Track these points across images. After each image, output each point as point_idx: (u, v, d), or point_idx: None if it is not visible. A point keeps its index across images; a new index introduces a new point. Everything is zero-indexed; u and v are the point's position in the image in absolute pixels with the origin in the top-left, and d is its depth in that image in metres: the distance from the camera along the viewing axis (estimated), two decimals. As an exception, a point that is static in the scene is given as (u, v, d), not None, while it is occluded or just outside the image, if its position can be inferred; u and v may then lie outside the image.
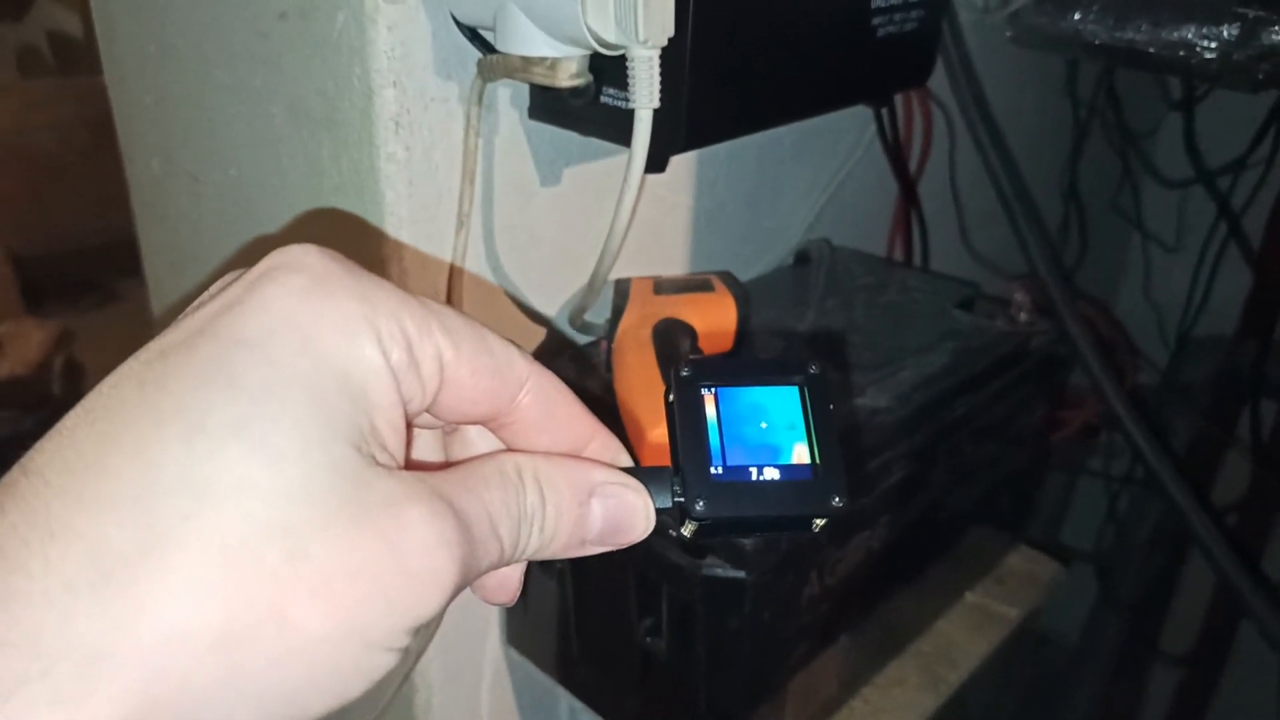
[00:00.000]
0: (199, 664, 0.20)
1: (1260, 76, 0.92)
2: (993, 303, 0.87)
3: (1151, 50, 0.97)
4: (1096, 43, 1.01)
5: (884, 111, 0.94)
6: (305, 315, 0.22)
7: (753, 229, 0.90)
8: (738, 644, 0.61)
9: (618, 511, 0.27)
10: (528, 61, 0.55)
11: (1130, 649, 1.48)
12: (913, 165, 1.01)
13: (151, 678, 0.19)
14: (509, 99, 0.64)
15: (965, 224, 1.08)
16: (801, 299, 0.85)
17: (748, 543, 0.58)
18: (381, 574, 0.21)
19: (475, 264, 0.67)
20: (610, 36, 0.51)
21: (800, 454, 0.27)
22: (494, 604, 0.29)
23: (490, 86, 0.61)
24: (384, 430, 0.23)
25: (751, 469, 0.26)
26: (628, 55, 0.51)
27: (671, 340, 0.69)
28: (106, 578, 0.19)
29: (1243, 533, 1.52)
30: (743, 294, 0.74)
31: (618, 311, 0.69)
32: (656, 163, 0.59)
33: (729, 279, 0.75)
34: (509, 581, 0.29)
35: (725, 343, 0.74)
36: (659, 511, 0.27)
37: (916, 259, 1.08)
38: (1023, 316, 0.85)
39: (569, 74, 0.55)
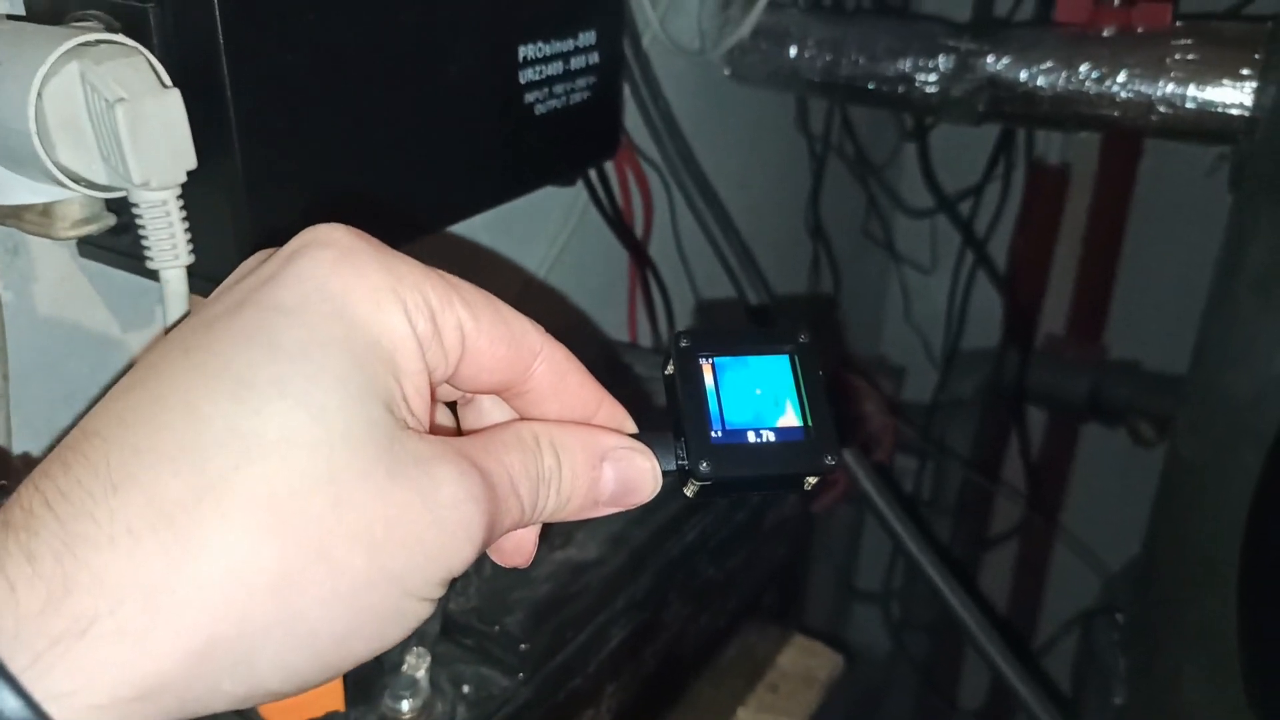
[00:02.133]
0: (255, 604, 0.20)
1: (981, 109, 0.87)
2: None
3: (871, 86, 0.91)
4: (816, 80, 0.94)
5: (595, 179, 0.83)
6: (337, 285, 0.23)
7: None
8: None
9: (628, 474, 0.27)
10: (15, 208, 0.40)
11: (927, 704, 1.45)
12: (639, 229, 0.91)
13: (211, 616, 0.20)
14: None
15: (696, 285, 0.99)
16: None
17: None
18: (417, 523, 0.22)
19: (35, 445, 0.51)
20: (99, 178, 0.37)
21: (793, 417, 0.28)
22: (510, 565, 0.29)
23: (7, 229, 0.46)
24: (411, 396, 0.23)
25: (749, 432, 0.28)
26: (130, 200, 0.37)
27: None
28: (166, 522, 0.20)
29: (1023, 551, 1.53)
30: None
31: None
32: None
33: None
34: (525, 544, 0.29)
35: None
36: (664, 474, 0.28)
37: (661, 322, 0.98)
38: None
39: (70, 222, 0.40)
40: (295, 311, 0.22)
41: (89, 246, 0.48)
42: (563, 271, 0.86)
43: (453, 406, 0.30)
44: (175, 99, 0.37)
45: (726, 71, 0.98)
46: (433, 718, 0.48)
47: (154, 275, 0.42)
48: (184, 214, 0.38)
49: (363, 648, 0.23)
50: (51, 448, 0.23)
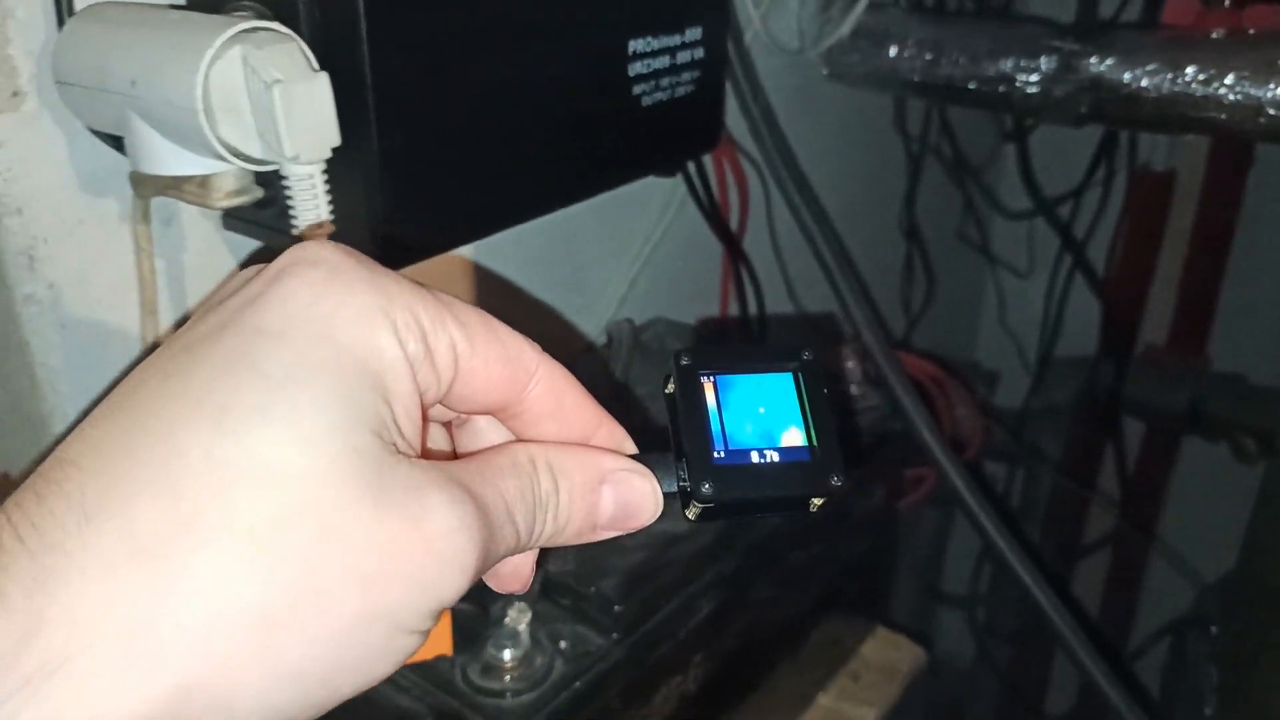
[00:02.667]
0: (237, 643, 0.20)
1: (1083, 110, 0.87)
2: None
3: (971, 86, 0.91)
4: (915, 80, 0.94)
5: (694, 172, 0.86)
6: (324, 306, 0.22)
7: (560, 309, 0.81)
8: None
9: (628, 496, 0.27)
10: (176, 179, 0.44)
11: (1011, 711, 1.43)
12: (734, 223, 0.93)
13: (191, 656, 0.19)
14: (198, 209, 0.53)
15: (791, 282, 1.01)
16: (607, 387, 0.76)
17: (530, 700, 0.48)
18: (408, 554, 0.21)
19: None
20: (255, 152, 0.41)
21: (797, 437, 0.27)
22: (507, 592, 0.29)
23: (164, 200, 0.50)
24: (402, 419, 0.23)
25: (752, 453, 0.27)
26: (281, 173, 0.41)
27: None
28: (143, 556, 0.19)
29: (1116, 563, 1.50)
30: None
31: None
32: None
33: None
34: (522, 569, 0.28)
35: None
36: (666, 496, 0.27)
37: (753, 321, 1.00)
38: (853, 389, 0.78)
39: (224, 193, 0.44)
40: (280, 334, 0.22)
41: (233, 220, 0.52)
42: (658, 261, 0.89)
43: (448, 427, 0.29)
44: (324, 82, 0.40)
45: (825, 71, 0.99)
46: (532, 668, 0.51)
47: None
48: (327, 186, 0.42)
49: (349, 685, 0.22)
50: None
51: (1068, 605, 0.86)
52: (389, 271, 0.24)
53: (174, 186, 0.44)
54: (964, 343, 1.52)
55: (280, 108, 0.39)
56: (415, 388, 0.23)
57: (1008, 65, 0.88)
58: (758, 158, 0.86)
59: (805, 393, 0.28)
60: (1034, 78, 0.87)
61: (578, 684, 0.51)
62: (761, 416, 0.28)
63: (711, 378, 0.28)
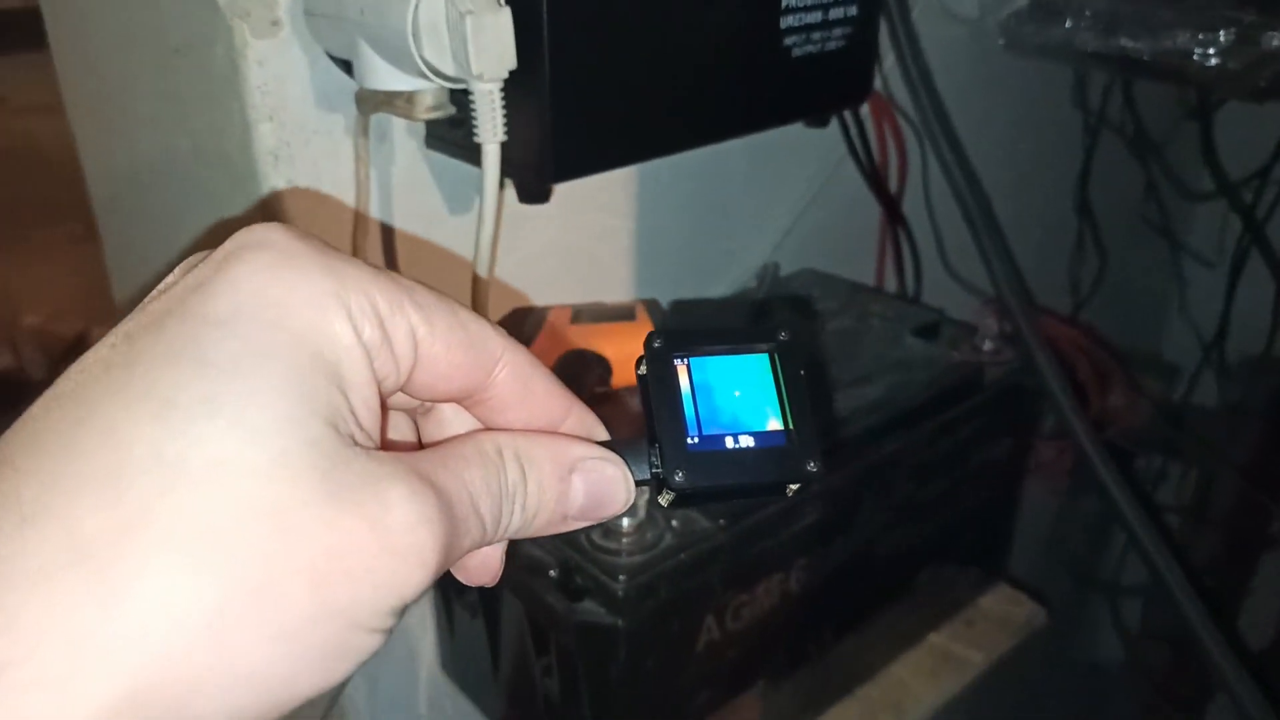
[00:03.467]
0: (188, 646, 0.19)
1: (1262, 84, 0.85)
2: (960, 330, 0.82)
3: (1147, 59, 0.91)
4: (1090, 51, 0.95)
5: (853, 129, 0.90)
6: (274, 292, 0.21)
7: (708, 251, 0.88)
8: (619, 691, 0.59)
9: (598, 485, 0.27)
10: (390, 95, 0.54)
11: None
12: (893, 184, 0.97)
13: (140, 661, 0.19)
14: (405, 128, 0.63)
15: (944, 245, 1.03)
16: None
17: (622, 587, 0.56)
18: (365, 551, 0.21)
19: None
20: (448, 70, 0.50)
21: (774, 421, 0.27)
22: (476, 584, 0.29)
23: (383, 117, 0.61)
24: (359, 409, 0.22)
25: (727, 437, 0.27)
26: (469, 89, 0.50)
27: (576, 374, 0.67)
28: (85, 559, 0.19)
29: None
30: (665, 322, 0.72)
31: (526, 343, 0.68)
32: (535, 193, 0.58)
33: (655, 308, 0.73)
34: (490, 561, 0.28)
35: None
36: (638, 483, 0.27)
37: (909, 282, 1.03)
38: (987, 345, 0.81)
39: (425, 107, 0.54)
40: (227, 322, 0.21)
41: (433, 139, 0.63)
42: (815, 216, 0.94)
43: (413, 415, 0.29)
44: (506, 15, 0.49)
45: (1001, 41, 1.01)
46: (644, 538, 0.59)
47: (477, 163, 0.55)
48: (504, 103, 0.50)
49: (308, 685, 0.21)
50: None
51: (1231, 614, 0.83)
52: (342, 254, 0.23)
53: (387, 102, 0.55)
54: (1143, 331, 1.48)
55: (470, 33, 0.48)
56: (372, 376, 0.23)
57: (1184, 38, 0.88)
58: (916, 120, 0.90)
59: (782, 375, 0.28)
60: (1212, 50, 0.86)
61: (683, 555, 0.58)
62: (737, 399, 0.27)
63: (685, 360, 0.27)
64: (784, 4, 0.63)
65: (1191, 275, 1.36)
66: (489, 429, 0.27)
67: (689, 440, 0.26)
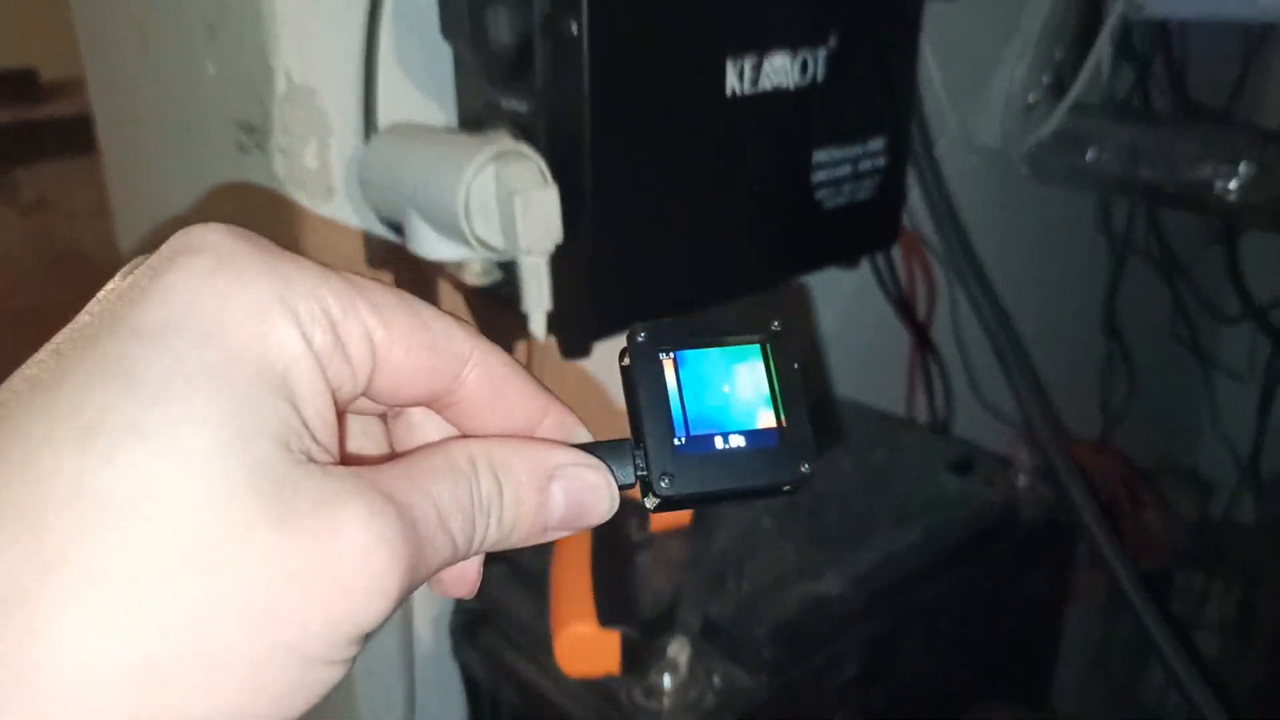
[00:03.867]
0: (114, 698, 0.18)
1: (1286, 218, 0.87)
2: (994, 463, 0.82)
3: (1169, 189, 0.93)
4: (1113, 180, 0.97)
5: (881, 263, 0.92)
6: (210, 300, 0.20)
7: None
8: None
9: (580, 494, 0.25)
10: (443, 263, 0.56)
11: None
12: (921, 309, 0.99)
13: (60, 714, 0.17)
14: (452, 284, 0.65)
15: (974, 372, 1.04)
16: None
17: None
18: (313, 581, 0.19)
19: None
20: (498, 244, 0.52)
21: (765, 418, 0.26)
22: (453, 596, 0.27)
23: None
24: (313, 421, 0.21)
25: (715, 437, 0.25)
26: (516, 262, 0.52)
27: (613, 520, 0.67)
28: None
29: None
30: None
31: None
32: (578, 350, 0.59)
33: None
34: (467, 574, 0.26)
35: (685, 516, 0.73)
36: (622, 488, 0.26)
37: (939, 407, 1.04)
38: (1021, 480, 0.81)
39: (474, 274, 0.55)
40: (158, 336, 0.19)
41: (476, 300, 0.65)
42: (845, 343, 0.95)
43: (383, 419, 0.27)
44: (554, 193, 0.51)
45: (1025, 170, 1.03)
46: (687, 697, 0.58)
47: (523, 318, 0.57)
48: (550, 274, 0.52)
49: None
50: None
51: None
52: (288, 254, 0.21)
53: (438, 269, 0.57)
54: (1177, 448, 1.46)
55: (519, 211, 0.49)
56: (326, 385, 0.21)
57: (1206, 170, 0.89)
58: (943, 254, 0.92)
59: (774, 368, 0.26)
60: (1233, 184, 0.88)
61: (727, 715, 0.58)
62: (726, 395, 0.26)
63: (671, 354, 0.26)
64: (814, 160, 0.65)
65: (1223, 391, 1.36)
66: (461, 436, 0.25)
67: (675, 441, 0.25)
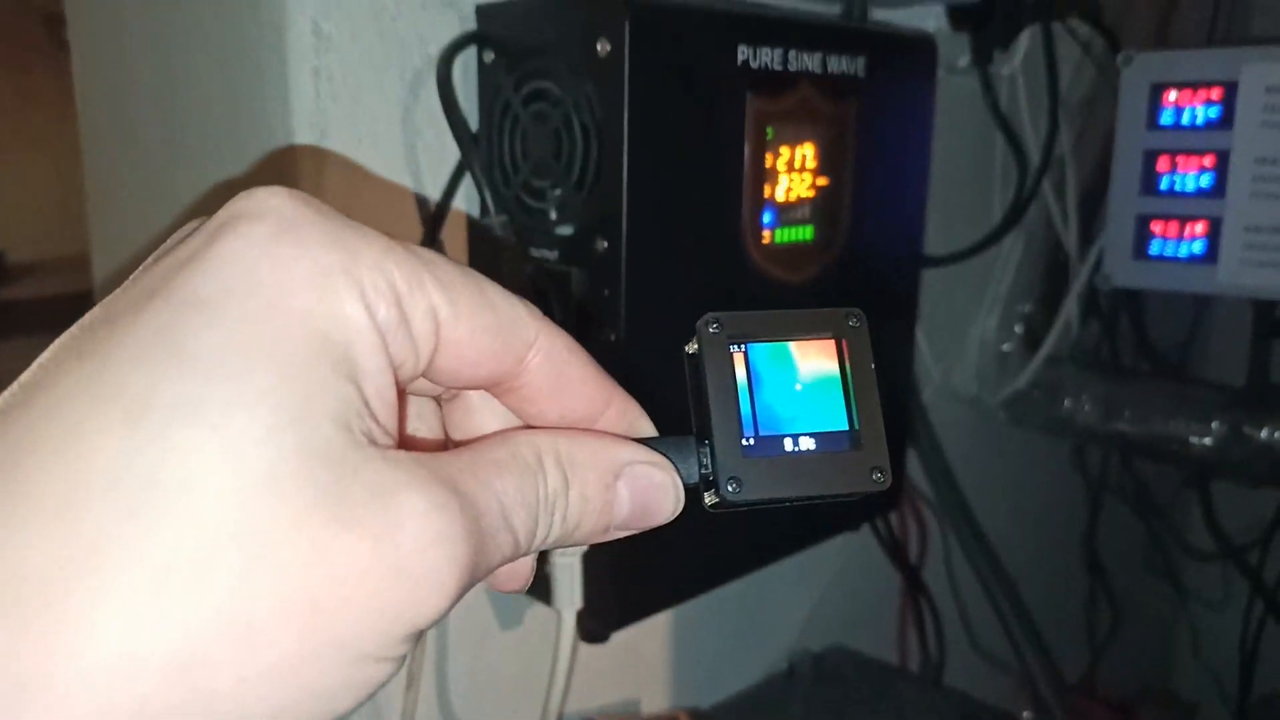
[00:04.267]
0: (156, 690, 0.17)
1: (1257, 474, 0.91)
2: (998, 720, 0.82)
3: (1145, 442, 0.97)
4: (1091, 431, 1.01)
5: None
6: (271, 269, 0.19)
7: (744, 631, 0.88)
8: None
9: (646, 493, 0.24)
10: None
11: None
12: (914, 552, 1.00)
13: (100, 708, 0.17)
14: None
15: (967, 615, 1.05)
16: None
17: None
18: (369, 577, 0.18)
19: (428, 715, 0.66)
20: (532, 544, 0.53)
21: (838, 419, 0.24)
22: (504, 591, 0.26)
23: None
24: (374, 401, 0.19)
25: (785, 439, 0.24)
26: (551, 559, 0.53)
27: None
28: (35, 594, 0.16)
29: None
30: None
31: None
32: (598, 638, 0.59)
33: (699, 716, 0.73)
34: (520, 570, 0.25)
35: None
36: (686, 487, 0.24)
37: (931, 650, 1.04)
38: (1028, 738, 0.80)
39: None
40: (215, 306, 0.18)
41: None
42: (839, 589, 0.96)
43: (437, 401, 0.26)
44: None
45: (1003, 415, 1.08)
46: None
47: (544, 599, 0.57)
48: (582, 576, 0.53)
49: None
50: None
51: None
52: (353, 223, 0.20)
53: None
54: (1158, 673, 1.46)
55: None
56: (388, 363, 0.20)
57: (1179, 426, 0.94)
58: (936, 504, 0.94)
59: (850, 366, 0.25)
60: (1207, 440, 0.92)
61: None
62: (797, 394, 0.24)
63: (742, 347, 0.24)
64: (824, 439, 0.68)
65: (1203, 619, 1.37)
66: (526, 428, 0.24)
67: (744, 441, 0.24)
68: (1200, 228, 0.83)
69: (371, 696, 0.20)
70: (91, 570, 0.17)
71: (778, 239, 0.59)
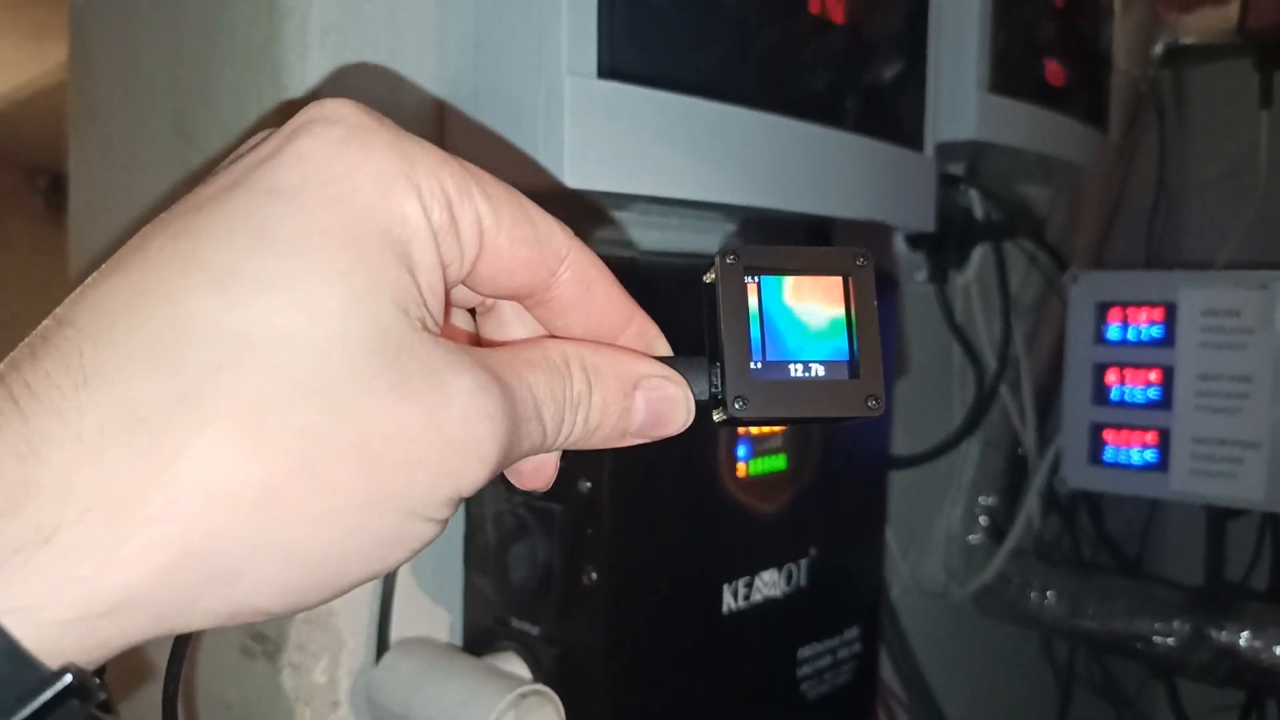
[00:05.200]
0: (234, 518, 0.19)
1: (1221, 674, 0.92)
2: None
3: (1110, 640, 0.99)
4: (1057, 624, 1.02)
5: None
6: (342, 167, 0.21)
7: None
8: None
9: (660, 404, 0.26)
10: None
11: None
12: (887, 754, 0.99)
13: (186, 529, 0.19)
14: None
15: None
16: None
17: None
18: (422, 441, 0.20)
19: None
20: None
21: (840, 349, 0.26)
22: (528, 488, 0.28)
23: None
24: (426, 292, 0.21)
25: (790, 365, 0.26)
26: None
27: None
28: (139, 425, 0.19)
29: None
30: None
31: None
32: None
33: None
34: (545, 467, 0.28)
35: None
36: (696, 403, 0.26)
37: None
38: None
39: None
40: (292, 195, 0.20)
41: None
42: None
43: (471, 314, 0.28)
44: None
45: (973, 605, 1.09)
46: None
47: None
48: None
49: (360, 569, 0.21)
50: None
51: None
52: (413, 136, 0.23)
53: None
54: None
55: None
56: (439, 260, 0.22)
57: (1143, 625, 0.96)
58: (908, 704, 0.94)
59: (854, 301, 0.26)
60: (1170, 640, 0.94)
61: None
62: (804, 324, 0.26)
63: (755, 278, 0.26)
64: (799, 656, 0.69)
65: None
66: (554, 336, 0.26)
67: (752, 365, 0.26)
68: (1150, 437, 0.87)
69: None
70: (187, 410, 0.19)
71: (752, 470, 0.61)
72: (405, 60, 0.59)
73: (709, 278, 0.27)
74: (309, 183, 0.21)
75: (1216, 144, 1.23)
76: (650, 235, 0.70)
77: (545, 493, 0.55)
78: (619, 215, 0.68)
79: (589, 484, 0.54)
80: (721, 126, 0.60)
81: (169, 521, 0.19)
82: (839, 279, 0.27)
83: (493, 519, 0.58)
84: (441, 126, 0.60)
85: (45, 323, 0.20)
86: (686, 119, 0.58)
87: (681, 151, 0.58)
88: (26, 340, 0.20)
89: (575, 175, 0.53)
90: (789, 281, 0.27)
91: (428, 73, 0.60)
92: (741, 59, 0.61)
